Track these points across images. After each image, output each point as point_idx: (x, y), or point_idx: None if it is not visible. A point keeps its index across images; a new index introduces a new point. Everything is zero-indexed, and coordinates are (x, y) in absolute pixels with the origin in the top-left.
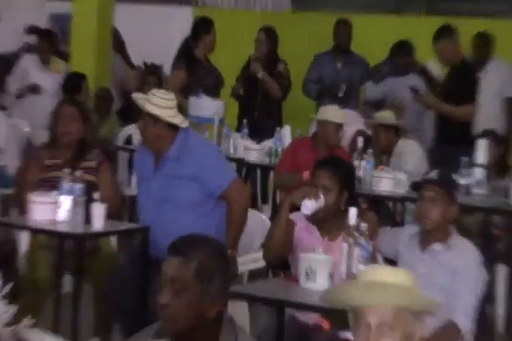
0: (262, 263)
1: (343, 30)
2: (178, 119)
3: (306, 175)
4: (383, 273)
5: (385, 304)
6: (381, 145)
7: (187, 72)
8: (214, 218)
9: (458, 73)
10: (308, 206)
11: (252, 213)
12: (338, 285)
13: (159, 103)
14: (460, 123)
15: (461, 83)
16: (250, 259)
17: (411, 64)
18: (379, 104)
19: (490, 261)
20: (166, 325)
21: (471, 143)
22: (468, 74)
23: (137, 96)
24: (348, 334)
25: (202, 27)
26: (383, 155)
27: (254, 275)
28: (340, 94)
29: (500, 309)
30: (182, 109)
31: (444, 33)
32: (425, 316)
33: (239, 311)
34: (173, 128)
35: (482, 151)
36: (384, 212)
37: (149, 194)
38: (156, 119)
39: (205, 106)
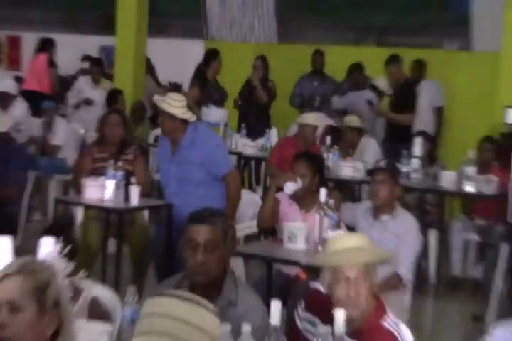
0: (254, 230)
1: (318, 58)
2: (187, 115)
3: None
4: (354, 240)
5: (360, 262)
6: (348, 142)
7: (200, 89)
8: (218, 191)
9: (402, 90)
10: (290, 187)
11: (245, 192)
12: (326, 251)
13: (173, 104)
14: (402, 126)
15: (405, 97)
16: (245, 226)
17: (363, 79)
18: (343, 112)
19: (425, 227)
20: (201, 278)
21: (410, 140)
22: (409, 90)
23: (157, 99)
24: (318, 284)
25: (211, 55)
26: (349, 149)
27: (248, 238)
28: (316, 104)
29: (432, 264)
30: (191, 108)
31: (392, 60)
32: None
33: (236, 266)
34: (185, 122)
35: (418, 146)
36: (347, 191)
37: (169, 174)
38: (171, 116)
39: (213, 114)
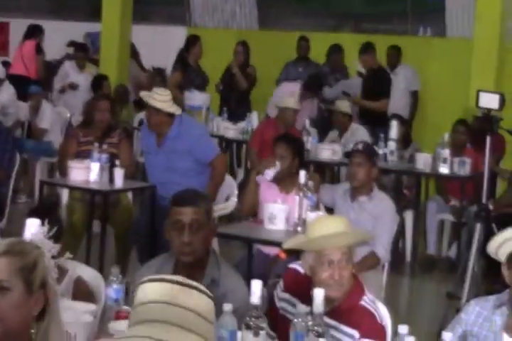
0: (228, 211)
1: (303, 44)
2: (173, 109)
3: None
4: (335, 223)
5: (343, 245)
6: (338, 125)
7: (181, 73)
8: (201, 180)
9: (375, 76)
10: (269, 174)
11: None
12: (309, 235)
13: (159, 98)
14: (378, 112)
15: (379, 83)
16: (220, 208)
17: (342, 61)
18: (332, 101)
19: (401, 208)
20: (187, 258)
21: (386, 124)
22: (383, 77)
23: (143, 94)
24: (296, 265)
25: (191, 41)
26: (340, 131)
27: (221, 219)
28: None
29: (408, 243)
30: (177, 101)
31: (367, 49)
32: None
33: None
34: (171, 115)
35: (394, 129)
36: (326, 173)
37: (155, 165)
38: (157, 110)
39: (196, 98)
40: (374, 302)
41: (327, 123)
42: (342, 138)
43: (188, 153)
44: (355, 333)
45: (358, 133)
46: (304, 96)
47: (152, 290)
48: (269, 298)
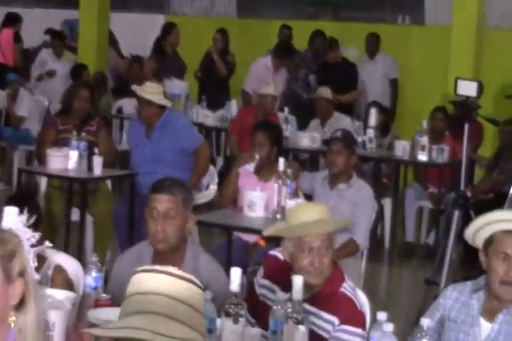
0: (207, 199)
1: (285, 32)
2: (164, 101)
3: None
4: (314, 211)
5: (324, 232)
6: (320, 112)
7: (156, 61)
8: (186, 171)
9: (341, 69)
10: (249, 169)
11: None
12: (289, 223)
13: (150, 91)
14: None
15: (345, 76)
16: (200, 196)
17: (324, 46)
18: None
19: (380, 195)
20: (160, 246)
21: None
22: (348, 68)
23: (135, 88)
24: (276, 252)
25: (167, 29)
26: (322, 119)
27: (201, 207)
28: None
29: (387, 230)
30: (166, 94)
31: (331, 45)
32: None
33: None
34: (162, 107)
35: (373, 117)
36: (305, 161)
37: (144, 156)
38: (149, 102)
39: (175, 86)
40: (353, 289)
41: (308, 111)
42: (325, 125)
43: (174, 141)
44: (335, 319)
45: (342, 122)
46: (278, 65)
47: (147, 281)
48: (248, 286)
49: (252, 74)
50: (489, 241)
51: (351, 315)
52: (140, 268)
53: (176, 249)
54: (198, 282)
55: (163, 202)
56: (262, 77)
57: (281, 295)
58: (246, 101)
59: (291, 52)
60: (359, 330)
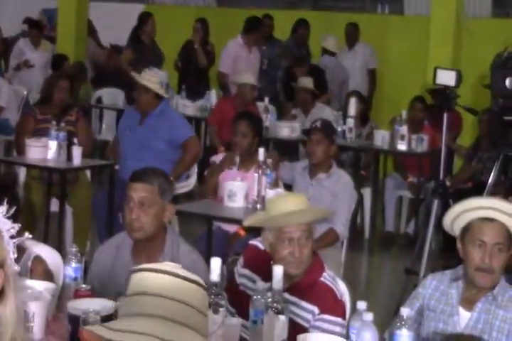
0: (188, 189)
1: (267, 22)
2: (162, 91)
3: (221, 150)
4: (294, 201)
5: (304, 223)
6: (301, 102)
7: (132, 51)
8: (170, 163)
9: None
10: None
11: None
12: (269, 213)
13: (149, 78)
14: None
15: (315, 81)
16: (180, 186)
17: (307, 36)
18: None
19: (359, 185)
20: (136, 234)
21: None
22: (318, 74)
23: (135, 75)
24: (257, 241)
25: (142, 19)
26: (303, 109)
27: (182, 196)
28: (264, 67)
29: (367, 220)
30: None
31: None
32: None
33: (173, 223)
34: (159, 97)
35: (352, 107)
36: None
37: (131, 141)
38: (146, 89)
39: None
40: (334, 278)
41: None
42: (308, 115)
43: (166, 130)
44: (315, 309)
45: (324, 112)
46: (249, 42)
47: (152, 281)
48: (228, 275)
49: (226, 54)
50: (466, 229)
51: (331, 305)
52: (143, 267)
53: (155, 238)
54: (203, 283)
55: (139, 191)
56: (236, 55)
57: (262, 284)
58: (223, 84)
59: (258, 27)
60: (339, 319)
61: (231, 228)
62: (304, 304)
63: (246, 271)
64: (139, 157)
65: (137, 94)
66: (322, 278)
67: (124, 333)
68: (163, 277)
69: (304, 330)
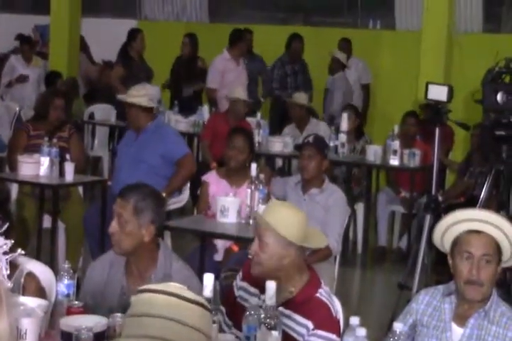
0: (180, 205)
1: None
2: (146, 103)
3: (213, 166)
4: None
5: None
6: (296, 118)
7: (123, 67)
8: (164, 178)
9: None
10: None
11: None
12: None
13: (134, 94)
14: None
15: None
16: (173, 201)
17: (301, 50)
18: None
19: (352, 200)
20: (114, 249)
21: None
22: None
23: (121, 97)
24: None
25: (131, 35)
26: (298, 125)
27: (174, 212)
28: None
29: (359, 235)
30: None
31: None
32: None
33: (166, 239)
34: (147, 110)
35: (345, 122)
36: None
37: (127, 155)
38: (131, 105)
39: None
40: (330, 295)
41: (282, 117)
42: (303, 131)
43: (160, 145)
44: (309, 324)
45: (320, 128)
46: (234, 55)
47: (156, 303)
48: (222, 290)
49: (213, 70)
50: (455, 243)
51: (326, 320)
52: (148, 288)
53: (145, 255)
54: (207, 305)
55: (117, 206)
56: (224, 68)
57: (254, 300)
58: (212, 99)
59: (242, 37)
60: (333, 336)
61: (225, 244)
62: (298, 318)
63: (244, 284)
64: (132, 172)
65: (127, 113)
66: (318, 294)
67: None
68: (169, 299)
69: None
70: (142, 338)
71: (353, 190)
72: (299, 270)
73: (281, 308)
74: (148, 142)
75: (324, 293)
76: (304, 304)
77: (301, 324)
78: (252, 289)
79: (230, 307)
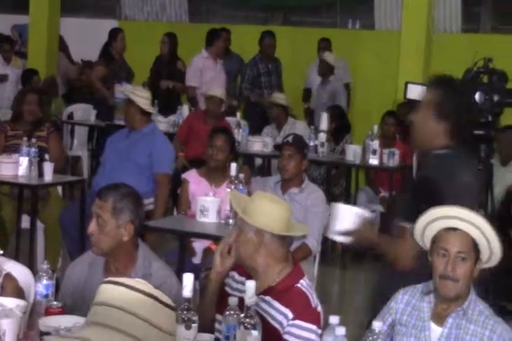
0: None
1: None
2: (147, 106)
3: (180, 155)
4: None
5: None
6: (275, 117)
7: (105, 67)
8: (148, 178)
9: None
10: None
11: None
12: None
13: (138, 94)
14: None
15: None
16: (151, 201)
17: (274, 47)
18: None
19: (332, 199)
20: (93, 249)
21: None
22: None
23: (125, 89)
24: None
25: (112, 35)
26: (277, 124)
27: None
28: None
29: None
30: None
31: None
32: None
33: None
34: (144, 113)
35: (324, 122)
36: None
37: (115, 151)
38: (131, 102)
39: None
40: (311, 287)
41: (260, 117)
42: (281, 131)
43: (148, 149)
44: (288, 312)
45: (298, 127)
46: (212, 54)
47: (111, 293)
48: (201, 291)
49: (192, 68)
50: (433, 241)
51: (304, 310)
52: (109, 279)
53: (124, 255)
54: (164, 300)
55: (95, 206)
56: (203, 67)
57: (233, 301)
58: (191, 97)
59: (219, 36)
60: (313, 327)
61: (204, 243)
62: (278, 305)
63: (233, 273)
64: (117, 168)
65: (125, 108)
66: (299, 284)
67: (70, 339)
68: (120, 289)
69: (276, 331)
70: (91, 325)
71: (334, 190)
72: (279, 261)
73: (261, 296)
74: (140, 142)
75: (305, 285)
76: (284, 292)
77: (280, 311)
78: (240, 277)
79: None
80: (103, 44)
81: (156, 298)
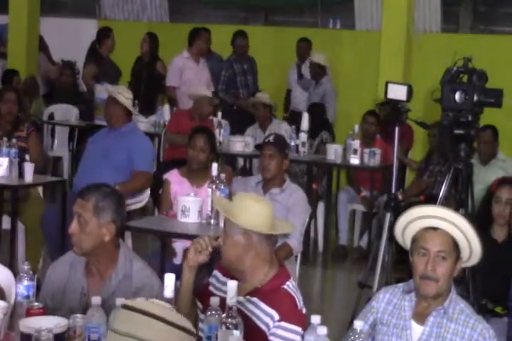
0: (141, 204)
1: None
2: (130, 107)
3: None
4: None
5: None
6: (261, 118)
7: (96, 65)
8: (126, 177)
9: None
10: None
11: None
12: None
13: (123, 94)
14: None
15: None
16: (134, 201)
17: (246, 46)
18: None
19: (313, 199)
20: (75, 249)
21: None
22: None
23: (108, 89)
24: None
25: (103, 33)
26: (261, 124)
27: (135, 212)
28: None
29: (320, 234)
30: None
31: None
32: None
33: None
34: (127, 112)
35: (305, 122)
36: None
37: (94, 150)
38: (116, 101)
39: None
40: (297, 289)
41: (236, 119)
42: (266, 131)
43: (127, 148)
44: (275, 314)
45: (282, 128)
46: (193, 53)
47: (141, 324)
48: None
49: (172, 68)
50: (413, 240)
51: (290, 312)
52: (134, 306)
53: (105, 255)
54: (191, 329)
55: (76, 206)
56: (183, 67)
57: (215, 301)
58: (172, 98)
59: (200, 35)
60: (298, 329)
61: (185, 244)
62: (264, 306)
63: (217, 273)
64: (96, 166)
65: (106, 106)
66: (285, 286)
67: None
68: (152, 322)
69: (262, 332)
70: None
71: (317, 190)
72: (266, 261)
73: (248, 296)
74: (120, 141)
75: (292, 286)
76: (270, 293)
77: (266, 313)
78: (223, 278)
79: (201, 296)
80: (90, 43)
81: (183, 329)
